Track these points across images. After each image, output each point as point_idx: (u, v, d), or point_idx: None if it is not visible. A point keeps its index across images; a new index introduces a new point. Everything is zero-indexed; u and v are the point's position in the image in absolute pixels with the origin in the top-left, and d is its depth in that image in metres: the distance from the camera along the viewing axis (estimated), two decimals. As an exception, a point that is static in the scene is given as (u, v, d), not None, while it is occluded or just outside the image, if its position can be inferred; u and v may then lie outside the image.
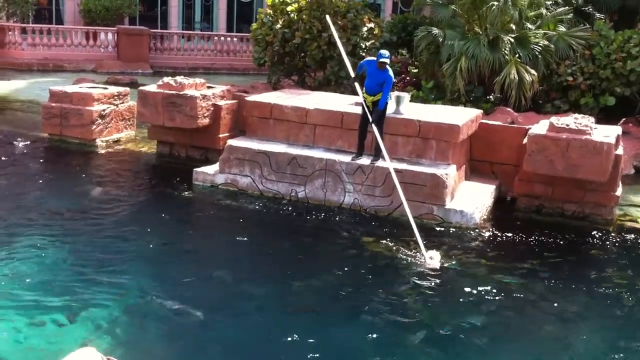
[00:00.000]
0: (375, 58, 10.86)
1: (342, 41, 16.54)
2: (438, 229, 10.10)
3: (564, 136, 10.49)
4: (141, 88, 13.44)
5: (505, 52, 14.84)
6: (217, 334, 6.77)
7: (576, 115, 11.43)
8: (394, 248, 9.26)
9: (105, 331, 6.60)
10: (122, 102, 14.66)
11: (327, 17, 13.15)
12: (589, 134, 10.48)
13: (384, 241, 9.52)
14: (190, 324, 6.88)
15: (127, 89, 15.35)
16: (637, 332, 7.42)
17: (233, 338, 6.72)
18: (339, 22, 16.86)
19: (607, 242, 10.17)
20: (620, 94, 14.89)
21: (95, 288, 7.46)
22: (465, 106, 13.62)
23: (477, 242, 9.77)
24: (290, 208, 10.82)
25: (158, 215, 10.17)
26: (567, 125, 10.64)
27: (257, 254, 9.01)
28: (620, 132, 11.42)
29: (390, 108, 11.06)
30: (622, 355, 6.76)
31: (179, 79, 13.16)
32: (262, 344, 6.59)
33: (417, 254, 8.93)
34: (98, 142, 13.93)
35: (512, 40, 15.09)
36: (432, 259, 8.68)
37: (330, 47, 16.61)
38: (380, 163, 10.77)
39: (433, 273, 8.48)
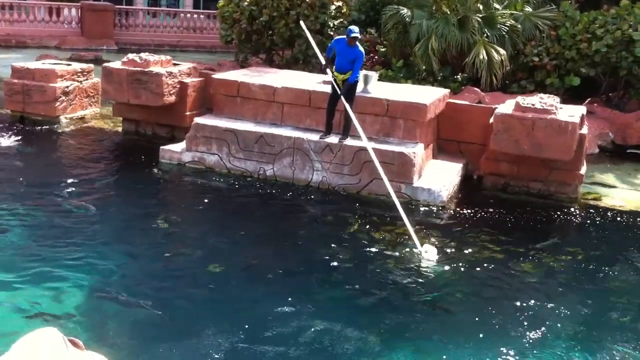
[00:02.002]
0: (343, 37, 10.82)
1: (310, 19, 16.57)
2: (406, 207, 10.12)
3: (530, 115, 10.59)
4: (105, 65, 13.21)
5: (474, 32, 14.90)
6: (181, 314, 6.70)
7: (542, 95, 11.53)
8: (361, 223, 9.30)
9: (69, 312, 6.48)
10: (86, 79, 14.40)
11: (302, 22, 13.00)
12: (554, 113, 10.59)
13: (355, 218, 9.58)
14: (154, 304, 6.78)
15: (91, 65, 15.08)
16: (593, 301, 7.54)
17: (197, 319, 6.64)
18: (307, 0, 16.72)
19: (571, 219, 10.34)
20: (585, 75, 15.07)
21: (58, 269, 7.30)
22: (433, 85, 13.67)
23: (444, 219, 9.85)
24: (258, 186, 10.78)
25: (124, 194, 10.05)
26: (533, 104, 10.73)
27: (226, 232, 8.90)
28: (584, 112, 11.56)
29: (359, 87, 11.02)
30: (582, 323, 6.92)
31: (144, 55, 12.95)
32: (228, 322, 6.52)
33: (401, 240, 8.90)
34: (62, 119, 13.68)
35: (480, 20, 15.15)
36: (427, 252, 8.41)
37: (298, 26, 16.46)
38: (348, 141, 10.76)
39: (404, 251, 8.51)
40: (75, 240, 8.17)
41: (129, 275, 7.43)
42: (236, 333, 6.28)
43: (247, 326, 6.42)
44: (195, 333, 6.29)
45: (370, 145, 10.14)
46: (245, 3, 17.03)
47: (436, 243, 8.70)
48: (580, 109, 11.51)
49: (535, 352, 6.35)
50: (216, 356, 5.90)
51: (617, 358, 6.33)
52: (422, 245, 8.48)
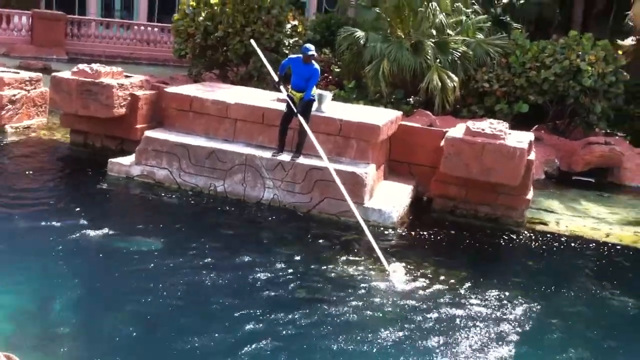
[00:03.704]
0: (298, 55, 10.85)
1: (265, 37, 16.58)
2: (357, 226, 10.12)
3: (479, 140, 10.75)
4: (55, 74, 12.92)
5: (427, 56, 15.11)
6: (118, 328, 6.56)
7: (491, 120, 11.73)
8: (318, 242, 9.31)
9: (2, 329, 6.29)
10: (34, 88, 14.08)
11: (252, 41, 12.99)
12: (503, 139, 10.78)
13: (310, 237, 9.62)
14: (90, 321, 6.66)
15: (40, 74, 14.74)
16: (536, 326, 7.66)
17: (136, 336, 6.50)
18: (263, 18, 16.73)
19: (516, 243, 10.50)
20: (534, 102, 15.43)
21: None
22: (386, 107, 13.77)
23: (394, 240, 9.88)
24: (208, 202, 10.65)
25: (68, 207, 9.74)
26: (483, 129, 10.91)
27: (172, 249, 8.69)
28: (532, 138, 11.80)
29: (313, 106, 11.04)
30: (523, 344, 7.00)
31: (95, 66, 12.74)
32: (163, 343, 6.40)
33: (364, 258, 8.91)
34: (7, 128, 13.32)
35: (433, 45, 15.38)
36: (396, 272, 8.49)
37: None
38: (300, 160, 10.75)
39: (356, 273, 8.50)
40: (13, 254, 7.88)
41: (68, 293, 7.20)
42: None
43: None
44: (139, 351, 6.17)
45: (332, 166, 10.12)
46: (201, 18, 16.93)
47: (378, 265, 8.71)
48: (529, 135, 11.74)
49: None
50: None
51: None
52: (389, 264, 8.54)
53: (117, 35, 26.64)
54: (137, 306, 7.10)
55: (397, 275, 8.45)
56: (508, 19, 18.84)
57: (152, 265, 8.13)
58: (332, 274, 8.38)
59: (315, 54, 10.69)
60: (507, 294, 8.31)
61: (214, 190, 10.96)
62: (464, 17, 16.53)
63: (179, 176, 11.12)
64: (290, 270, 8.33)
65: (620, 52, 16.46)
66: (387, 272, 8.47)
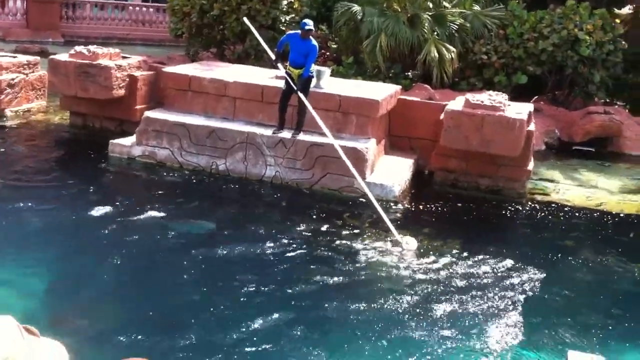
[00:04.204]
0: (296, 31, 10.83)
1: (262, 14, 16.50)
2: (359, 201, 10.20)
3: (479, 112, 10.76)
4: (52, 57, 12.92)
5: (425, 30, 15.05)
6: (132, 305, 6.67)
7: (491, 92, 11.75)
8: (325, 217, 9.34)
9: (22, 301, 6.39)
10: (32, 72, 14.02)
11: (245, 19, 12.95)
12: (503, 110, 10.79)
13: (316, 212, 9.65)
14: (102, 297, 6.74)
15: (38, 57, 14.67)
16: (540, 293, 7.77)
17: (149, 310, 6.59)
18: (259, -6, 16.63)
19: (518, 214, 10.58)
20: (532, 73, 15.38)
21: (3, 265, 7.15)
22: (384, 82, 13.75)
23: (396, 214, 9.93)
24: (211, 181, 10.69)
25: (72, 188, 9.80)
26: (482, 101, 10.92)
27: (178, 228, 8.74)
28: (532, 109, 11.82)
29: (311, 82, 11.03)
30: (527, 315, 7.09)
31: (92, 48, 12.72)
32: (178, 323, 6.43)
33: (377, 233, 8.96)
34: (7, 112, 13.27)
35: (430, 18, 15.32)
36: (408, 244, 8.60)
37: (250, 20, 16.34)
38: (301, 136, 10.77)
39: (366, 245, 8.56)
40: (20, 234, 7.98)
41: (76, 269, 7.32)
42: (189, 332, 6.21)
43: (205, 326, 6.37)
44: (149, 326, 6.22)
45: (337, 142, 10.13)
46: (196, -4, 16.82)
47: (387, 238, 8.79)
48: (528, 107, 11.75)
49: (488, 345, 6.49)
50: (177, 352, 5.83)
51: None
52: (401, 237, 8.64)
53: (112, 17, 26.45)
54: (145, 282, 7.21)
55: (410, 247, 8.55)
56: (505, -11, 18.72)
57: (158, 242, 8.23)
58: (342, 247, 8.47)
59: (313, 29, 10.65)
60: (513, 263, 8.39)
61: (216, 168, 10.99)
62: (460, -11, 16.43)
63: (180, 155, 11.14)
64: (299, 245, 8.40)
65: (617, 20, 16.37)
66: (400, 244, 8.56)
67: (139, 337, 5.97)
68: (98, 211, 8.88)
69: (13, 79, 13.44)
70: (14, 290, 6.68)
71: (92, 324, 6.24)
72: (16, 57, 14.16)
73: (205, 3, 16.71)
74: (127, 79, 12.61)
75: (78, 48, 12.72)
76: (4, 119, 13.13)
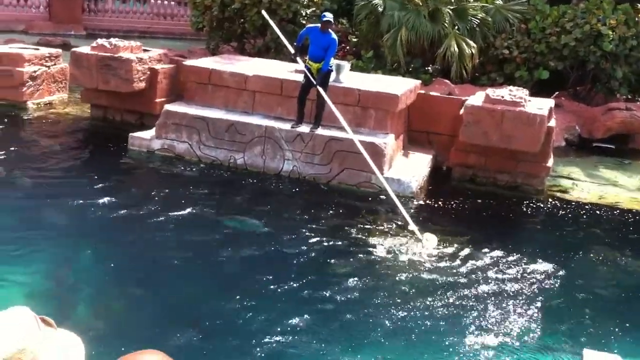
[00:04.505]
0: (316, 25, 10.83)
1: (282, 8, 16.51)
2: (377, 197, 10.19)
3: (499, 108, 10.70)
4: (74, 49, 13.03)
5: (445, 24, 14.97)
6: (149, 302, 6.69)
7: (511, 87, 11.66)
8: (343, 213, 9.39)
9: (40, 293, 6.49)
10: (54, 64, 14.16)
11: (264, 12, 12.95)
12: (523, 105, 10.72)
13: (334, 207, 9.66)
14: (120, 291, 6.79)
15: (59, 50, 14.82)
16: (558, 289, 7.75)
17: (166, 307, 6.62)
18: (280, -12, 16.64)
19: (537, 211, 10.50)
20: (554, 68, 15.24)
21: (22, 257, 7.22)
22: (404, 77, 13.70)
23: (413, 210, 9.91)
24: (229, 174, 10.73)
25: (89, 181, 9.88)
26: (502, 97, 10.85)
27: (198, 220, 8.81)
28: (552, 105, 11.72)
29: (331, 77, 11.03)
30: (543, 316, 7.04)
31: (114, 41, 12.81)
32: (197, 318, 6.47)
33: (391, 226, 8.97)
34: (29, 104, 13.43)
35: (451, 12, 15.23)
36: (428, 240, 8.59)
37: (271, 13, 16.37)
38: (319, 131, 10.77)
39: (385, 241, 8.56)
40: (36, 226, 8.05)
41: (94, 263, 7.38)
42: (205, 326, 6.26)
43: (219, 319, 6.43)
44: (167, 320, 6.27)
45: (356, 137, 10.12)
46: (217, -10, 16.87)
47: (406, 234, 8.78)
48: (549, 102, 11.66)
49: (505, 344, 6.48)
50: (194, 345, 5.87)
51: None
52: (422, 234, 8.64)
53: (133, 10, 26.61)
54: (163, 277, 7.25)
55: (430, 243, 8.53)
56: (527, -16, 18.55)
57: (173, 236, 8.28)
58: (361, 243, 8.47)
59: (332, 21, 10.63)
60: (530, 261, 8.35)
61: (234, 162, 11.03)
62: (482, -17, 16.31)
63: (199, 149, 11.20)
64: (318, 241, 8.41)
65: (641, 15, 16.16)
66: (420, 240, 8.55)
67: (156, 331, 6.04)
68: (114, 205, 8.94)
69: (35, 72, 13.58)
70: (33, 282, 6.77)
71: (110, 320, 6.29)
72: (38, 49, 14.32)
73: (226, -4, 16.76)
74: (148, 72, 12.69)
75: (100, 41, 12.82)
76: (26, 111, 13.28)
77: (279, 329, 6.25)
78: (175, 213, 8.90)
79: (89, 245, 7.83)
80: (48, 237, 7.82)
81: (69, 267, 7.26)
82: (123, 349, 5.60)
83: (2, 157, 10.51)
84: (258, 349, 5.92)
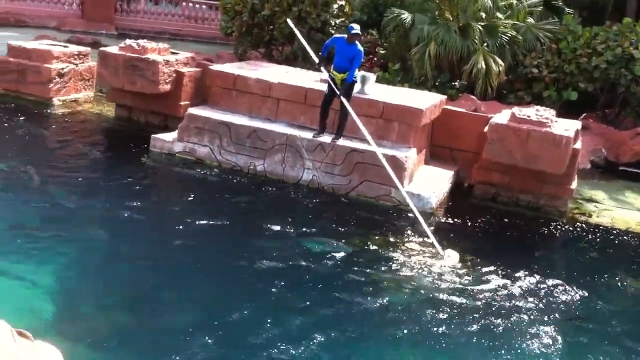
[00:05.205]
0: (342, 35, 10.78)
1: (311, 17, 16.50)
2: (397, 211, 10.09)
3: (525, 127, 10.55)
4: (102, 49, 13.14)
5: (475, 40, 14.84)
6: (148, 310, 6.59)
7: (538, 107, 11.50)
8: (363, 225, 9.31)
9: (22, 303, 6.35)
10: (83, 62, 14.28)
11: (289, 20, 12.93)
12: (549, 126, 10.56)
13: (353, 220, 9.60)
14: (115, 297, 6.72)
15: (89, 48, 14.96)
16: (576, 315, 7.63)
17: (165, 315, 6.53)
18: (310, -3, 16.64)
19: (558, 233, 10.33)
20: (584, 90, 15.02)
21: (31, 256, 7.21)
22: (430, 91, 13.59)
23: (431, 226, 9.78)
24: (248, 181, 10.70)
25: (109, 181, 9.94)
26: (529, 116, 10.70)
27: (212, 227, 8.76)
28: (579, 127, 11.54)
29: (356, 88, 10.96)
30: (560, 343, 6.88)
31: (142, 42, 12.89)
32: (203, 324, 6.40)
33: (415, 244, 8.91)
34: (55, 101, 13.55)
35: (481, 28, 15.10)
36: (450, 257, 8.51)
37: (300, 22, 16.39)
38: (341, 142, 10.70)
39: (404, 256, 8.48)
40: (44, 227, 7.99)
41: (89, 264, 7.36)
42: (211, 332, 6.18)
43: (229, 326, 6.37)
44: (160, 330, 6.17)
45: (379, 150, 10.04)
46: (248, -4, 16.91)
47: (426, 249, 8.67)
48: (576, 124, 11.48)
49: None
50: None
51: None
52: (444, 250, 8.56)
53: (165, 12, 26.80)
54: (175, 285, 7.20)
55: (451, 260, 8.42)
56: (560, 3, 18.28)
57: (189, 241, 8.24)
58: (380, 258, 8.39)
59: (360, 33, 10.57)
60: (550, 285, 8.20)
61: (254, 169, 10.99)
62: (514, 0, 16.14)
63: (219, 154, 11.18)
64: (337, 253, 8.32)
65: (675, 40, 15.88)
66: (441, 257, 8.44)
67: (156, 338, 5.98)
68: (130, 206, 8.93)
69: (63, 69, 13.70)
70: (41, 281, 6.74)
71: (92, 331, 6.08)
72: (67, 47, 14.46)
73: (257, 2, 16.81)
74: (174, 75, 12.74)
75: (128, 41, 12.91)
76: (52, 107, 13.39)
77: (292, 341, 6.18)
78: (191, 217, 8.88)
79: (98, 246, 7.81)
80: (60, 237, 7.81)
81: (76, 270, 7.21)
82: None
83: (23, 152, 10.58)
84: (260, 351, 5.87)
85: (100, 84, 13.80)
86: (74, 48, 14.44)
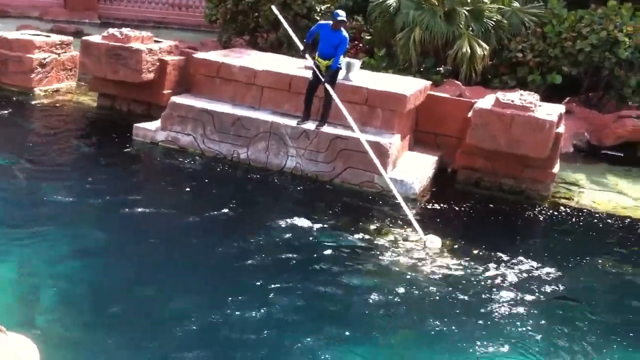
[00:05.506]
0: (327, 22, 10.75)
1: (296, 3, 16.43)
2: (380, 197, 10.11)
3: (508, 112, 10.57)
4: (85, 38, 13.04)
5: (460, 25, 14.83)
6: (134, 305, 6.53)
7: (522, 91, 11.53)
8: (346, 211, 9.32)
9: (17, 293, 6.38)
10: (65, 52, 14.17)
11: (274, 7, 12.87)
12: (533, 110, 10.58)
13: (337, 206, 9.64)
14: (95, 290, 6.68)
15: (71, 38, 14.83)
16: (558, 298, 7.66)
17: (144, 307, 6.50)
18: (296, -16, 16.56)
19: (541, 217, 10.38)
20: (568, 73, 15.05)
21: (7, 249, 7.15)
22: (415, 76, 13.59)
23: (415, 211, 9.79)
24: (231, 169, 10.68)
25: (91, 170, 9.87)
26: (512, 101, 10.72)
27: (195, 215, 8.72)
28: (563, 111, 11.57)
29: (340, 74, 10.94)
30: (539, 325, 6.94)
31: (125, 30, 12.79)
32: (182, 316, 6.34)
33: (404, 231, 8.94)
34: (37, 91, 13.45)
35: (467, 13, 15.08)
36: (432, 242, 8.52)
37: (285, 8, 16.31)
38: (325, 129, 10.69)
39: (387, 242, 8.50)
40: (24, 220, 7.89)
41: (70, 256, 7.28)
42: (190, 324, 6.16)
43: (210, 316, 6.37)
44: (140, 325, 6.13)
45: (363, 137, 10.02)
46: (233, -17, 16.82)
47: (409, 235, 8.69)
48: (559, 108, 11.52)
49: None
50: (161, 352, 5.75)
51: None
52: (426, 235, 8.60)
53: (149, 0, 26.61)
54: (158, 275, 7.19)
55: (434, 245, 8.46)
56: (545, -13, 18.34)
57: (167, 231, 8.21)
58: (363, 244, 8.40)
59: (345, 19, 10.54)
60: (533, 268, 8.23)
61: (237, 157, 10.97)
62: (499, -15, 16.13)
63: (202, 142, 11.14)
64: (319, 240, 8.33)
65: (660, 23, 15.92)
66: (424, 242, 8.47)
67: (135, 334, 5.97)
68: (111, 195, 8.89)
69: (45, 59, 13.60)
70: (14, 276, 6.70)
71: (70, 324, 6.07)
72: (49, 36, 14.35)
73: (241, -11, 16.70)
74: (158, 63, 12.67)
75: (111, 30, 12.82)
76: (34, 97, 13.28)
77: (274, 327, 6.22)
78: (174, 207, 8.87)
79: (79, 239, 7.71)
80: (40, 230, 7.67)
81: (55, 264, 7.07)
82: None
83: (4, 143, 10.52)
84: (249, 346, 5.89)
85: (83, 73, 13.71)
86: (56, 37, 14.33)
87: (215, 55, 12.42)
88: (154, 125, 11.58)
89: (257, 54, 13.62)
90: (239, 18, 17.23)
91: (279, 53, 14.92)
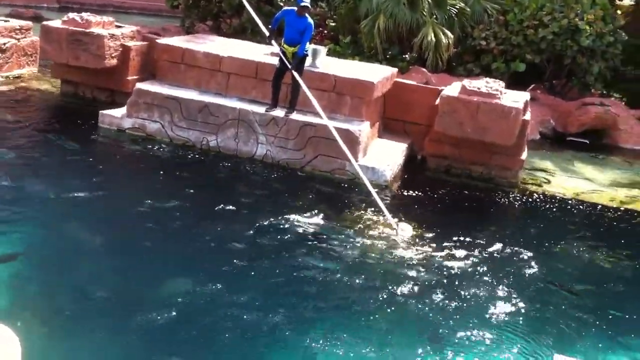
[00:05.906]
0: (292, 7, 10.65)
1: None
2: (351, 184, 10.10)
3: (475, 99, 10.66)
4: (45, 23, 12.71)
5: (424, 12, 14.87)
6: (100, 292, 6.44)
7: (488, 79, 11.61)
8: (316, 199, 9.28)
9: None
10: (24, 37, 13.80)
11: None
12: (499, 98, 10.69)
13: (306, 193, 9.60)
14: (69, 278, 6.58)
15: (30, 23, 14.45)
16: (523, 287, 7.67)
17: (119, 297, 6.41)
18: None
19: (510, 203, 10.50)
20: (531, 61, 15.23)
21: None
22: (381, 64, 13.60)
23: (387, 199, 9.82)
24: (201, 157, 10.54)
25: (56, 159, 9.65)
26: (479, 88, 10.80)
27: (164, 204, 8.58)
28: (528, 98, 11.71)
29: (307, 61, 10.87)
30: (511, 310, 7.03)
31: (86, 15, 12.50)
32: (154, 306, 6.25)
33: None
34: (-3, 77, 13.11)
35: (430, 1, 15.12)
36: (403, 230, 8.52)
37: (248, -6, 16.11)
38: (294, 116, 10.63)
39: (351, 229, 8.48)
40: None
41: (44, 247, 7.17)
42: (159, 316, 6.06)
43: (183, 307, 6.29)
44: (116, 315, 6.05)
45: (331, 124, 9.96)
46: (194, -33, 16.57)
47: (380, 223, 8.70)
48: (524, 95, 11.65)
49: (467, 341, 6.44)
50: (136, 343, 5.69)
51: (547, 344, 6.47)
52: (397, 223, 8.58)
53: (108, -16, 26.08)
54: (131, 263, 7.08)
55: (404, 233, 8.47)
56: (507, -25, 18.50)
57: (147, 221, 8.08)
58: (334, 232, 8.36)
59: (309, 5, 10.46)
60: (502, 254, 8.33)
61: (207, 144, 10.84)
62: (462, -28, 16.21)
63: (170, 129, 10.98)
64: (290, 229, 8.27)
65: (619, 12, 16.21)
66: (395, 230, 8.46)
67: (112, 323, 5.88)
68: (78, 184, 8.69)
69: (4, 44, 13.23)
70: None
71: (46, 312, 5.98)
72: (8, 21, 13.97)
73: (203, -26, 16.46)
74: (120, 49, 12.42)
75: (71, 15, 12.52)
76: (-7, 84, 12.94)
77: (247, 315, 6.17)
78: (144, 195, 8.69)
79: (48, 229, 7.57)
80: (5, 220, 7.50)
81: (27, 254, 6.95)
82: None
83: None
84: (223, 336, 5.83)
85: (44, 59, 13.36)
86: (14, 22, 13.95)
87: (179, 41, 12.22)
88: (119, 112, 11.36)
89: (221, 39, 13.45)
90: (201, 3, 17.00)
91: (243, 39, 14.77)
